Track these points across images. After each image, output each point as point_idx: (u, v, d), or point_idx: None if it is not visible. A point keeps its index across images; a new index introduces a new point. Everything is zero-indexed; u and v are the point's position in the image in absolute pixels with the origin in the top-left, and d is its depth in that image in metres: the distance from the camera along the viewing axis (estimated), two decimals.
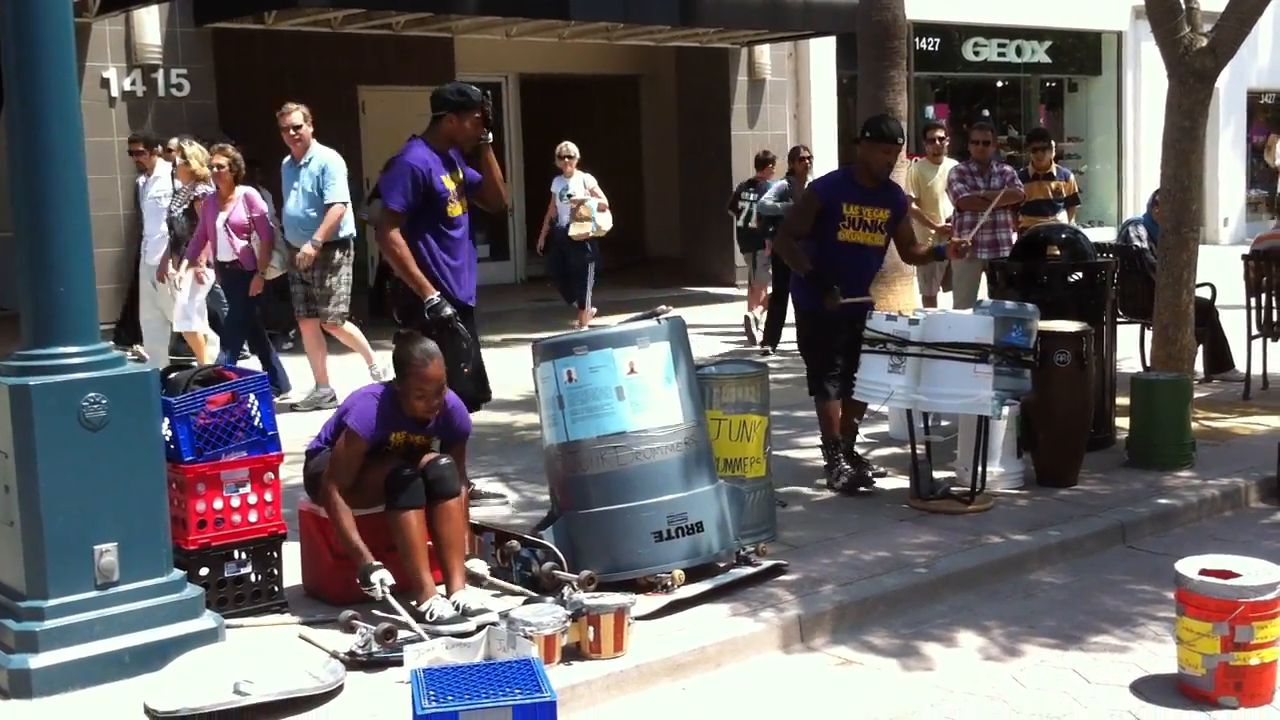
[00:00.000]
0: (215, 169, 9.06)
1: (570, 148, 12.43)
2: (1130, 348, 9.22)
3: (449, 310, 5.89)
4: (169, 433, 4.79)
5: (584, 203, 12.10)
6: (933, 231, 10.68)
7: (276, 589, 5.03)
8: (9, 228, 4.46)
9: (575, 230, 12.17)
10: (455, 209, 6.06)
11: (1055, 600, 5.41)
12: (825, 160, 15.86)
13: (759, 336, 11.87)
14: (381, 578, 4.69)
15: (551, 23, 14.32)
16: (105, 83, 12.37)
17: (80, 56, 4.40)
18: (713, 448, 5.47)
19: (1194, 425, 7.39)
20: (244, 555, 4.93)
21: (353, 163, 15.08)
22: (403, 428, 5.00)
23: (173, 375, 5.12)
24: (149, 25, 12.51)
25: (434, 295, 5.89)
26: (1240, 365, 9.19)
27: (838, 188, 6.81)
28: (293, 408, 8.98)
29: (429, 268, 5.96)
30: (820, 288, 6.60)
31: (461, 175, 6.12)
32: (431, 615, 4.69)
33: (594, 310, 12.49)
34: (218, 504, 4.88)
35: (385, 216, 5.90)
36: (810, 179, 11.21)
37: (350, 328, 9.08)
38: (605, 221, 12.35)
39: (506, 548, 5.24)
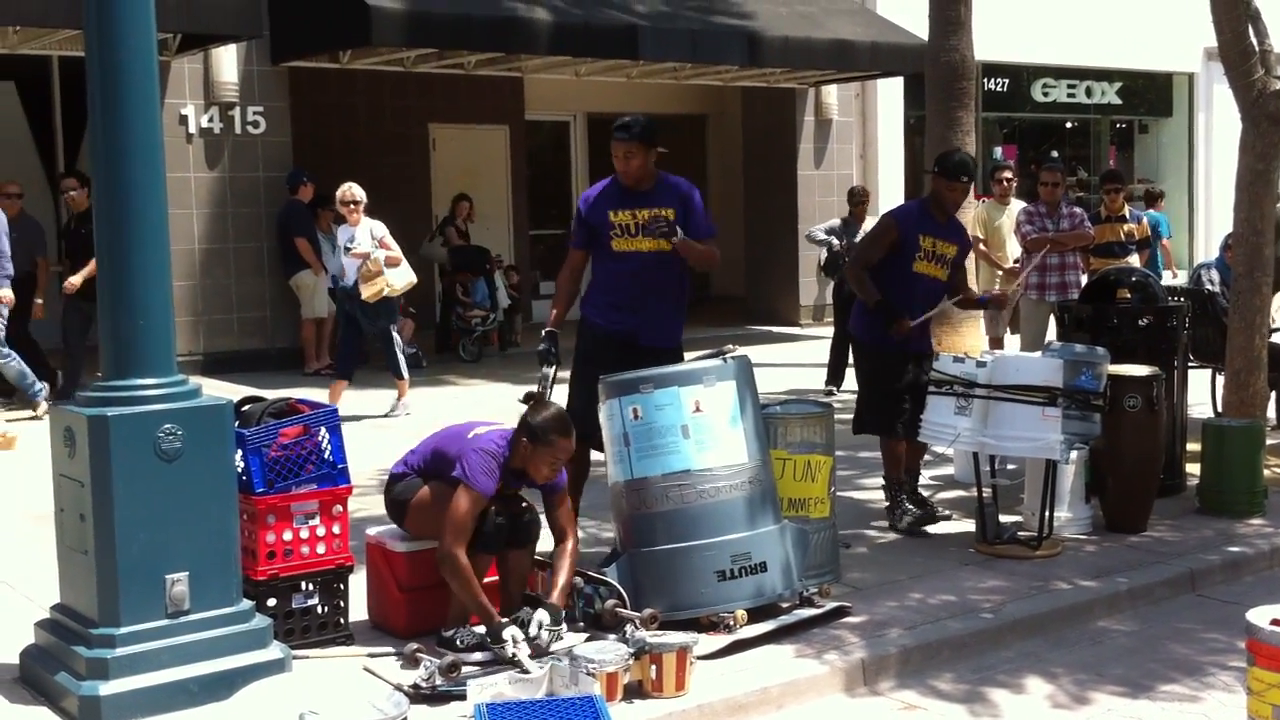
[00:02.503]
0: None
1: (354, 191, 10.06)
2: (1202, 393, 9.10)
3: (543, 345, 5.92)
4: (241, 464, 4.86)
5: (369, 255, 9.95)
6: (1000, 272, 10.63)
7: (343, 621, 5.08)
8: None
9: (367, 291, 9.95)
10: (621, 244, 5.93)
11: (1124, 648, 5.34)
12: (893, 201, 15.80)
13: None
14: (513, 634, 4.65)
15: (620, 63, 14.43)
16: (183, 119, 12.61)
17: (160, 93, 4.52)
18: (777, 487, 5.46)
19: (1266, 473, 7.28)
20: (311, 587, 4.98)
21: (423, 198, 15.37)
22: (509, 485, 5.01)
23: (246, 408, 5.20)
24: (227, 63, 12.75)
25: (551, 328, 5.99)
26: None
27: (914, 219, 6.79)
28: None
29: (590, 295, 6.11)
30: (887, 315, 6.58)
31: (646, 213, 5.89)
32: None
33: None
34: (287, 535, 4.93)
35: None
36: (869, 218, 11.17)
37: None
38: (399, 278, 10.11)
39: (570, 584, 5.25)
